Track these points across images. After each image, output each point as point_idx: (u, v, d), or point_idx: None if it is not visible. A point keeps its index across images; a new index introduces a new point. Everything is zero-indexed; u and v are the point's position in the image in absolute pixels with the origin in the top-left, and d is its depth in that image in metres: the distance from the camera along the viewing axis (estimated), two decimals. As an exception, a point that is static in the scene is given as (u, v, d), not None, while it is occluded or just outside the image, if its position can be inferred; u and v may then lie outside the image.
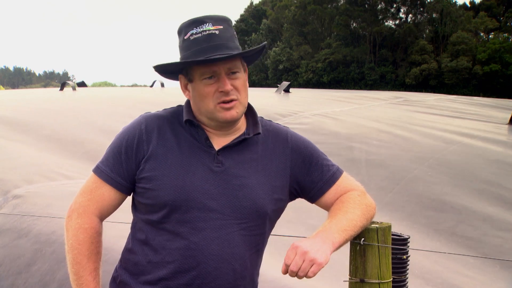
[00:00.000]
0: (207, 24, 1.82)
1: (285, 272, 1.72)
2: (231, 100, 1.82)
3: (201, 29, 1.81)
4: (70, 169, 5.04)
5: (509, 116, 10.37)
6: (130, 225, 1.97)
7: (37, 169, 4.64)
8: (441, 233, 5.08)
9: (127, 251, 1.93)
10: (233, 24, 1.93)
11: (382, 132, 8.30)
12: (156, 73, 1.97)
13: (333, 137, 7.37)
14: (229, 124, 1.86)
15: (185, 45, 1.83)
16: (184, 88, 1.92)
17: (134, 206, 1.93)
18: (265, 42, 1.94)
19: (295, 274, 1.69)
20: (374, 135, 7.87)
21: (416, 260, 4.39)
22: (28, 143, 5.44)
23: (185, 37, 1.83)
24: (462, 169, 6.10)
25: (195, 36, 1.81)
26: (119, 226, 2.47)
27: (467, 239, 5.02)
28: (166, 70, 1.94)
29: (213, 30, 1.81)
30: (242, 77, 1.87)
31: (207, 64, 1.80)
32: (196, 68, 1.82)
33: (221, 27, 1.83)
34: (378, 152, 6.79)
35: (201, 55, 1.78)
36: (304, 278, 1.70)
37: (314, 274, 1.68)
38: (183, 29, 1.85)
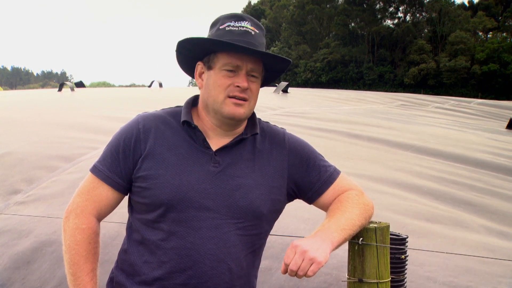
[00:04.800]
0: (246, 22, 1.84)
1: (285, 271, 1.71)
2: (243, 99, 1.82)
3: (239, 24, 1.83)
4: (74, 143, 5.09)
5: (507, 122, 10.65)
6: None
7: (37, 163, 4.63)
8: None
9: (123, 251, 1.92)
10: None
11: (382, 120, 8.52)
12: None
13: (333, 122, 7.59)
14: (232, 121, 1.85)
15: (219, 33, 1.83)
16: (198, 76, 1.91)
17: (131, 206, 1.93)
18: (291, 61, 1.94)
19: (294, 273, 1.68)
20: (374, 122, 8.08)
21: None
22: (27, 140, 5.43)
23: (221, 27, 1.84)
24: (461, 151, 6.16)
25: (232, 28, 1.82)
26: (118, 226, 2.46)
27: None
28: (189, 53, 1.90)
29: (250, 29, 1.84)
30: (258, 83, 1.88)
31: (232, 55, 1.80)
32: (221, 56, 1.82)
33: (257, 31, 1.85)
34: (378, 132, 6.95)
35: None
36: (304, 277, 1.70)
37: (314, 273, 1.67)
38: (221, 20, 1.87)
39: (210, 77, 1.85)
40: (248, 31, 1.83)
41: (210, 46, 1.83)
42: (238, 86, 1.80)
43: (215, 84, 1.83)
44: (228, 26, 1.83)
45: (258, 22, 1.89)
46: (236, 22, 1.83)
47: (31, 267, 3.25)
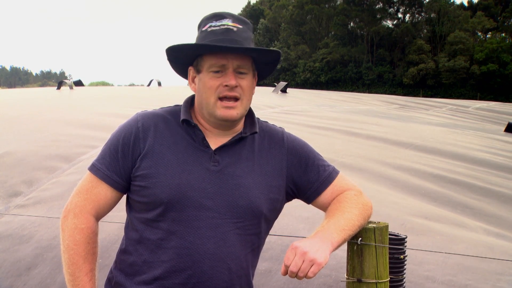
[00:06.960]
0: (227, 19, 1.84)
1: (285, 273, 1.71)
2: (234, 98, 1.81)
3: (220, 23, 1.82)
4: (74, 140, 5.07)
5: (505, 126, 10.73)
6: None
7: (36, 163, 4.63)
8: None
9: (121, 252, 1.91)
10: None
11: (380, 119, 8.55)
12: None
13: (332, 120, 7.59)
14: (227, 123, 1.85)
15: (202, 36, 1.83)
16: (191, 81, 1.91)
17: (129, 205, 1.91)
18: (280, 52, 1.92)
19: (295, 275, 1.68)
20: (373, 121, 8.11)
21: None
22: (26, 139, 5.41)
23: (203, 29, 1.85)
24: (460, 150, 6.17)
25: (213, 28, 1.82)
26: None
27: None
28: (177, 60, 1.90)
29: (232, 26, 1.83)
30: (249, 79, 1.86)
31: (217, 56, 1.79)
32: (206, 58, 1.82)
33: (240, 26, 1.84)
34: (377, 130, 6.97)
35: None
36: (304, 278, 1.69)
37: (314, 274, 1.67)
38: (203, 22, 1.87)
39: (200, 80, 1.85)
40: (229, 28, 1.81)
41: (193, 51, 1.84)
42: (226, 85, 1.79)
43: (205, 87, 1.82)
44: (210, 26, 1.83)
45: (241, 17, 1.88)
46: (217, 21, 1.83)
47: (31, 273, 3.24)
